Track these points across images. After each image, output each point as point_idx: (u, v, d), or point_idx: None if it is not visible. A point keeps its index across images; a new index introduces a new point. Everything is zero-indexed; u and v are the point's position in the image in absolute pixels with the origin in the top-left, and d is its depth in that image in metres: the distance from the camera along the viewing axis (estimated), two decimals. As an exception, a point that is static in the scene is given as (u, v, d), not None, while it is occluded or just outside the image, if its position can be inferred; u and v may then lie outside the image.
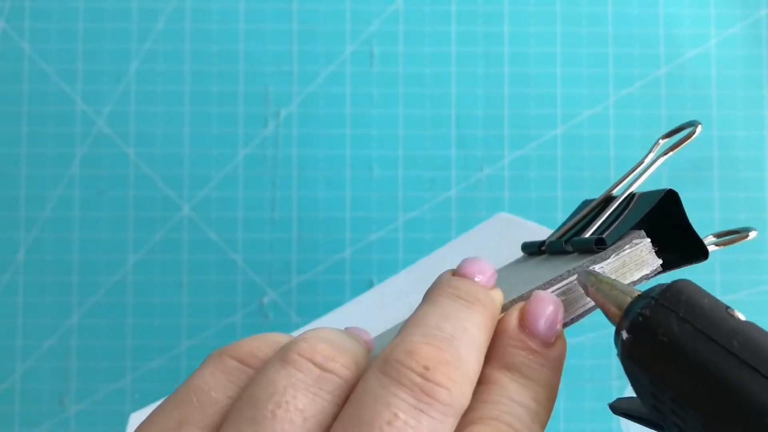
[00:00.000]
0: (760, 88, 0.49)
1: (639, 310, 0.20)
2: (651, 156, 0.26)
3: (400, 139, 0.48)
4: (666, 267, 0.24)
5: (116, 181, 0.48)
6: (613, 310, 0.20)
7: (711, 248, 0.26)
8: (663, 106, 0.48)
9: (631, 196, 0.26)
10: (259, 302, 0.47)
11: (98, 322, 0.47)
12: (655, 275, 0.24)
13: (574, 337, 0.47)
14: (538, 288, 0.22)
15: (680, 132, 0.26)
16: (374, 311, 0.35)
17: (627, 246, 0.23)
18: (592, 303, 0.23)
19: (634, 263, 0.23)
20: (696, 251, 0.24)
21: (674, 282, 0.20)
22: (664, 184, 0.48)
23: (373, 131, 0.48)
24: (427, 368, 0.18)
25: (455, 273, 0.22)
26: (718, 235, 0.27)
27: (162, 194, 0.48)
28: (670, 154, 0.26)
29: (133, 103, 0.48)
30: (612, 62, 0.48)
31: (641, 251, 0.23)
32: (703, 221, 0.48)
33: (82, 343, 0.47)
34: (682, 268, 0.25)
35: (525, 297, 0.22)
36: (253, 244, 0.47)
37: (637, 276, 0.23)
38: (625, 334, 0.20)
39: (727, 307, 0.19)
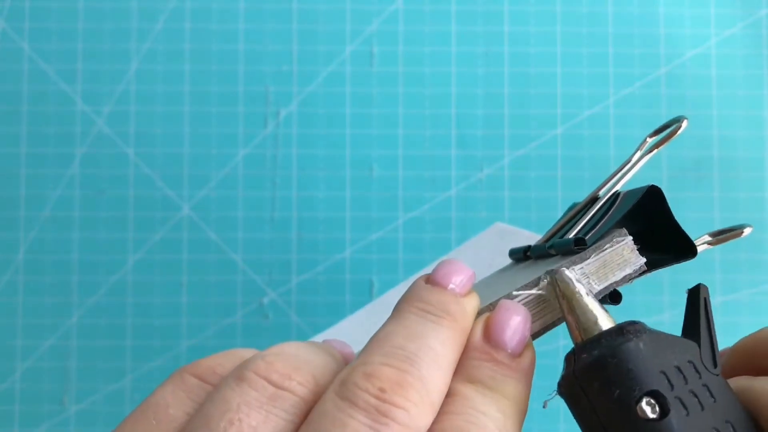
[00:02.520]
0: (760, 88, 0.49)
1: (560, 380, 0.20)
2: (638, 154, 0.25)
3: (400, 139, 0.48)
4: (655, 266, 0.23)
5: (116, 181, 0.48)
6: (572, 334, 0.21)
7: (705, 247, 0.26)
8: (663, 106, 0.48)
9: (616, 195, 0.25)
10: (259, 302, 0.47)
11: (98, 322, 0.47)
12: (640, 275, 0.23)
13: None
14: (506, 296, 0.22)
15: (667, 129, 0.25)
16: (370, 330, 0.36)
17: (608, 245, 0.22)
18: (551, 320, 0.22)
19: (616, 263, 0.23)
20: (684, 249, 0.24)
21: (599, 357, 0.19)
22: (665, 185, 0.48)
23: (373, 131, 0.48)
24: (383, 390, 0.18)
25: (428, 279, 0.22)
26: (713, 234, 0.27)
27: (162, 194, 0.48)
28: (655, 151, 0.25)
29: (133, 103, 0.48)
30: (612, 62, 0.48)
31: (623, 250, 0.23)
32: (703, 221, 0.48)
33: (82, 343, 0.47)
34: (679, 265, 0.25)
35: (493, 306, 0.22)
36: (253, 244, 0.47)
37: (619, 276, 0.23)
38: (559, 378, 0.20)
39: (640, 399, 0.18)
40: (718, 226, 0.49)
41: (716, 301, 0.47)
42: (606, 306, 0.23)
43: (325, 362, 0.20)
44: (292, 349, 0.20)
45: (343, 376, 0.19)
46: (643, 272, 0.23)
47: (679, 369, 0.19)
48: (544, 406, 0.22)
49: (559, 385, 0.20)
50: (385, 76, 0.48)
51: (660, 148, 0.25)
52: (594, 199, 0.26)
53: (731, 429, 0.19)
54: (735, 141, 0.48)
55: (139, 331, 0.47)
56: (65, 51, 0.48)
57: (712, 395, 0.19)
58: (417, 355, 0.19)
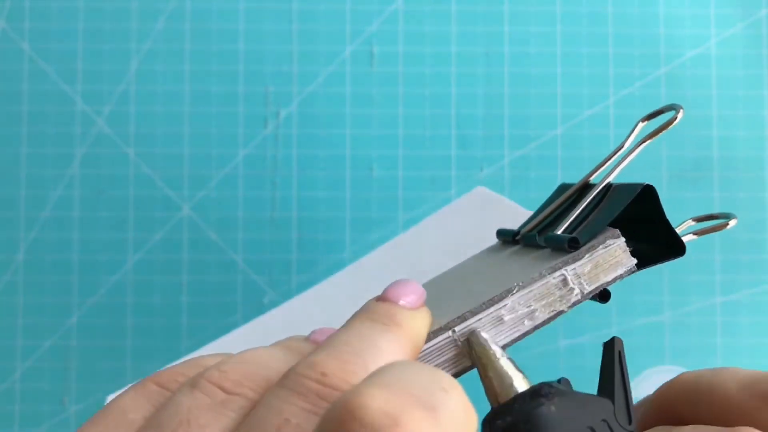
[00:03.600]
0: (760, 88, 0.49)
1: None
2: (630, 140, 0.25)
3: (400, 139, 0.48)
4: (642, 264, 0.23)
5: (116, 181, 0.48)
6: (489, 396, 0.21)
7: (689, 237, 0.26)
8: (663, 106, 0.48)
9: (608, 186, 0.25)
10: (259, 302, 0.47)
11: (98, 322, 0.47)
12: (630, 274, 0.23)
13: (573, 338, 0.47)
14: (473, 309, 0.22)
15: (661, 115, 0.25)
16: (347, 291, 0.35)
17: (601, 246, 0.23)
18: (541, 319, 0.22)
19: (608, 263, 0.23)
20: (673, 247, 0.24)
21: (513, 423, 0.19)
22: (664, 184, 0.48)
23: (373, 131, 0.48)
24: (324, 375, 0.18)
25: (379, 298, 0.22)
26: (697, 220, 0.27)
27: (162, 194, 0.48)
28: (648, 142, 0.25)
29: (133, 103, 0.48)
30: (612, 62, 0.48)
31: (615, 251, 0.23)
32: (703, 221, 0.48)
33: (82, 343, 0.47)
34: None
35: (464, 317, 0.22)
36: (253, 244, 0.47)
37: (610, 277, 0.23)
38: None
39: None
40: (718, 226, 0.49)
41: (716, 301, 0.47)
42: (594, 301, 0.24)
43: (286, 365, 0.20)
44: (253, 355, 0.20)
45: (286, 371, 0.19)
46: (633, 272, 0.23)
47: (592, 430, 0.19)
48: None
49: None
50: (385, 76, 0.48)
51: (655, 137, 0.25)
52: (585, 186, 0.26)
53: None
54: (735, 141, 0.48)
55: (139, 331, 0.47)
56: (65, 51, 0.48)
57: None
58: (363, 350, 0.19)
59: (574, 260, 0.22)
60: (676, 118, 0.24)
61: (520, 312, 0.22)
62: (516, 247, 0.27)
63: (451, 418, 0.15)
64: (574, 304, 0.22)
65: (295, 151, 0.48)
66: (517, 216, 0.29)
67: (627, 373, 0.22)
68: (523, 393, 0.20)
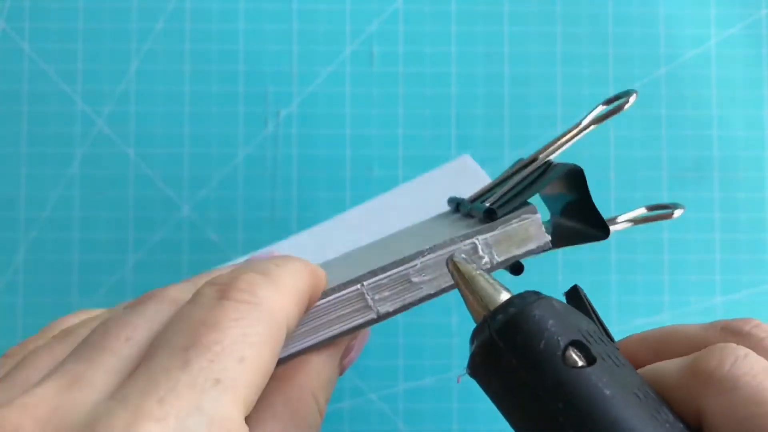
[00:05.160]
0: (760, 88, 0.49)
1: (474, 351, 0.19)
2: (587, 121, 0.26)
3: (400, 139, 0.48)
4: (566, 243, 0.24)
5: (116, 181, 0.48)
6: (476, 312, 0.21)
7: (627, 225, 0.26)
8: (663, 106, 0.48)
9: (548, 164, 0.26)
10: (259, 302, 0.47)
11: (98, 322, 0.47)
12: (543, 251, 0.24)
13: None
14: (404, 260, 0.23)
15: (618, 100, 0.26)
16: (321, 243, 0.37)
17: (515, 220, 0.23)
18: (447, 284, 0.23)
19: (520, 237, 0.24)
20: (597, 229, 0.24)
21: (517, 313, 0.19)
22: (664, 184, 0.48)
23: (373, 131, 0.48)
24: (225, 284, 0.20)
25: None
26: (649, 208, 0.28)
27: (162, 194, 0.48)
28: (593, 127, 0.26)
29: (133, 103, 0.48)
30: (612, 62, 0.48)
31: (530, 226, 0.24)
32: (703, 221, 0.48)
33: (82, 343, 0.47)
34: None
35: (375, 273, 0.23)
36: (253, 244, 0.47)
37: (522, 251, 0.24)
38: (469, 356, 0.20)
39: (566, 349, 0.18)
40: (718, 227, 0.49)
41: (716, 301, 0.47)
42: (508, 275, 0.25)
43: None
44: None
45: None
46: (547, 249, 0.24)
47: (588, 332, 0.19)
48: (458, 381, 0.23)
49: (474, 355, 0.20)
50: (385, 76, 0.48)
51: (605, 121, 0.26)
52: (533, 161, 0.27)
53: (646, 389, 0.19)
54: (735, 141, 0.48)
55: (139, 331, 0.47)
56: (65, 51, 0.48)
57: (621, 361, 0.20)
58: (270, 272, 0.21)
59: (488, 230, 0.23)
60: (628, 102, 0.25)
61: (427, 274, 0.23)
62: (457, 215, 0.28)
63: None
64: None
65: (295, 151, 0.48)
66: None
67: (597, 313, 0.23)
68: (519, 293, 0.20)
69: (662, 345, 0.23)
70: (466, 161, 0.38)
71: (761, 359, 0.19)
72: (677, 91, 0.48)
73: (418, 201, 0.35)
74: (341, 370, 0.25)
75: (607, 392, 0.18)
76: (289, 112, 0.48)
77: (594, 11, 0.49)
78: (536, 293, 0.20)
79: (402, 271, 0.23)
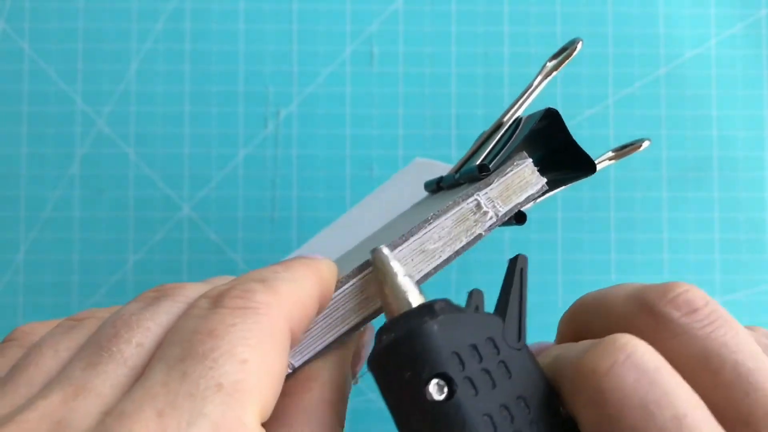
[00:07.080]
0: (760, 88, 0.49)
1: (369, 356, 0.20)
2: (539, 78, 0.26)
3: (400, 139, 0.48)
4: (557, 184, 0.25)
5: (116, 181, 0.48)
6: (385, 313, 0.21)
7: (607, 163, 0.27)
8: (663, 106, 0.48)
9: (519, 120, 0.26)
10: (259, 302, 0.47)
11: (98, 322, 0.47)
12: (543, 195, 0.24)
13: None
14: (409, 234, 0.23)
15: (564, 52, 0.26)
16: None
17: (509, 168, 0.24)
18: (461, 244, 0.23)
19: (518, 185, 0.24)
20: (584, 166, 0.25)
21: (397, 339, 0.19)
22: (664, 184, 0.48)
23: (373, 131, 0.48)
24: (221, 294, 0.20)
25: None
26: (615, 150, 0.28)
27: (162, 194, 0.48)
28: (554, 74, 0.26)
29: (133, 103, 0.48)
30: (612, 62, 0.48)
31: (524, 172, 0.24)
32: (703, 221, 0.48)
33: (82, 343, 0.47)
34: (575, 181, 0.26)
35: (362, 268, 0.23)
36: (253, 244, 0.47)
37: (522, 197, 0.24)
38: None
39: (428, 382, 0.19)
40: (718, 226, 0.50)
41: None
42: (512, 226, 0.25)
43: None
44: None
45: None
46: (546, 191, 0.24)
47: (475, 347, 0.20)
48: (355, 382, 0.23)
49: (368, 361, 0.20)
50: (385, 76, 0.48)
51: (558, 70, 0.26)
52: (499, 126, 0.27)
53: (523, 404, 0.19)
54: (735, 141, 0.48)
55: (139, 331, 0.47)
56: (65, 51, 0.48)
57: (508, 371, 0.20)
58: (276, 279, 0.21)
59: (486, 185, 0.24)
60: (575, 49, 0.26)
61: (439, 240, 0.23)
62: (440, 193, 0.29)
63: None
64: (491, 227, 0.24)
65: (295, 151, 0.48)
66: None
67: (525, 291, 0.23)
68: (412, 310, 0.20)
69: (593, 314, 0.23)
70: (419, 161, 0.39)
71: (646, 361, 0.18)
72: (677, 91, 0.48)
73: (384, 207, 0.35)
74: (353, 376, 0.25)
75: (467, 421, 0.18)
76: (289, 112, 0.48)
77: (594, 11, 0.49)
78: (436, 304, 0.20)
79: (413, 242, 0.23)
